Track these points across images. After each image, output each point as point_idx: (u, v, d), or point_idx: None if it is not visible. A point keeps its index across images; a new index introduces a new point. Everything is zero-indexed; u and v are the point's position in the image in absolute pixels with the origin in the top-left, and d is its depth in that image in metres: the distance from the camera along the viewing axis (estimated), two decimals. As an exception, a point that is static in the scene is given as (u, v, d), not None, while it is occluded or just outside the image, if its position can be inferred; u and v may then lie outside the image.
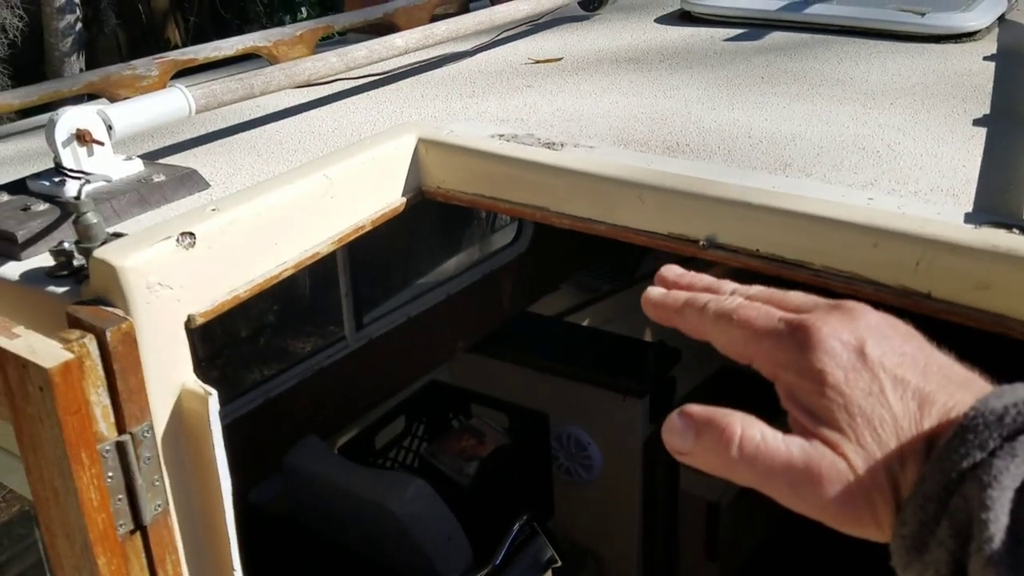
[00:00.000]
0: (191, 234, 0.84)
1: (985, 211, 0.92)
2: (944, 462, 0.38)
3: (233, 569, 0.89)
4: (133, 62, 1.62)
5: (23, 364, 0.72)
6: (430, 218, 2.80)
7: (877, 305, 0.87)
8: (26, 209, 0.98)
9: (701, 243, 0.94)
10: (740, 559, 3.03)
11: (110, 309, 0.79)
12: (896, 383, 0.42)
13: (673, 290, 0.53)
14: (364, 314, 2.46)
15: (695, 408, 0.46)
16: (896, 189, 0.99)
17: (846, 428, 0.41)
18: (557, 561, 2.30)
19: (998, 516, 0.35)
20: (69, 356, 0.73)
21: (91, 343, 0.75)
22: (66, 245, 0.88)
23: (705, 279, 0.54)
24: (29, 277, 0.89)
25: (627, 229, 0.97)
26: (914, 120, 1.21)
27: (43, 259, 0.92)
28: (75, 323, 0.78)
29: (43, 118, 1.56)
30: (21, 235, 0.92)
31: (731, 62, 1.52)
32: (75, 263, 0.88)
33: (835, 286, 0.87)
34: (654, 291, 0.53)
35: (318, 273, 2.44)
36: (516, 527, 2.14)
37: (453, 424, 2.56)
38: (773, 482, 0.42)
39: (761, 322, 0.47)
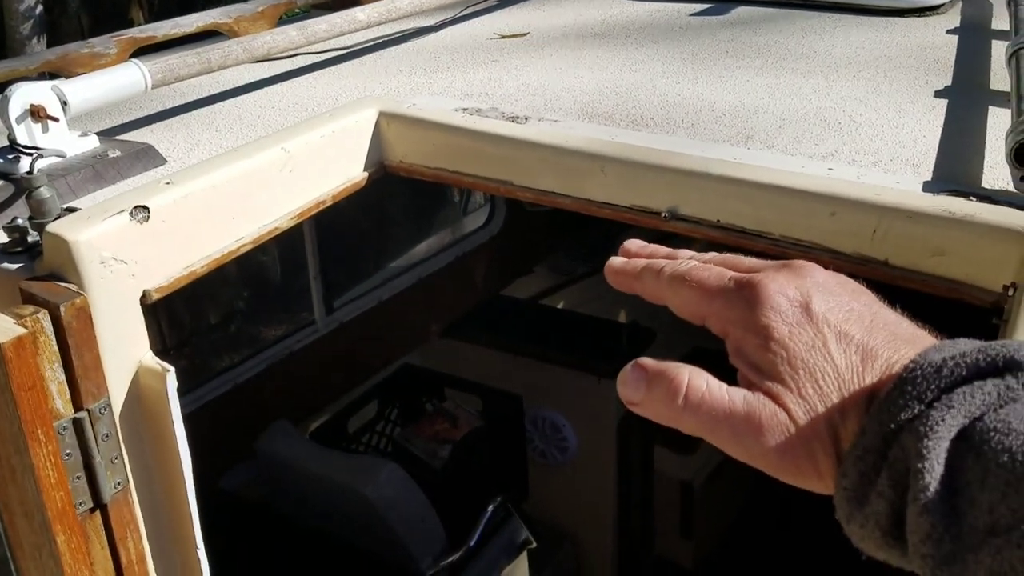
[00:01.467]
0: (145, 208, 0.82)
1: (944, 180, 0.93)
2: (883, 414, 0.39)
3: (196, 546, 0.88)
4: (91, 40, 1.59)
5: (-28, 340, 0.71)
6: (401, 200, 2.78)
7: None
8: (-22, 186, 0.96)
9: (663, 215, 0.94)
10: (714, 537, 3.07)
11: (64, 284, 0.78)
12: (840, 338, 0.42)
13: (634, 259, 0.53)
14: (334, 298, 2.44)
15: (647, 361, 0.47)
16: (856, 159, 0.99)
17: (788, 380, 0.42)
18: (532, 542, 2.31)
19: (933, 466, 0.36)
20: (22, 331, 0.71)
21: (45, 318, 0.74)
22: (20, 221, 0.86)
23: (664, 249, 0.54)
24: (-19, 254, 0.87)
25: (590, 202, 0.97)
26: (876, 92, 1.22)
27: (-4, 236, 0.90)
28: (29, 298, 0.76)
29: None
30: (-28, 212, 0.90)
31: (696, 36, 1.52)
32: (29, 239, 0.86)
33: (794, 255, 0.88)
34: (616, 260, 0.54)
35: (287, 256, 2.42)
36: (490, 509, 2.15)
37: (427, 408, 2.56)
38: (717, 430, 0.43)
39: (712, 282, 0.47)
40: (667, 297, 0.50)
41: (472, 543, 2.10)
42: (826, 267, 0.49)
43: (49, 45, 4.08)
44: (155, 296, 0.84)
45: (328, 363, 2.41)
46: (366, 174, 1.06)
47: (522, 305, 2.99)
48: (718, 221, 0.91)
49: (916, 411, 0.38)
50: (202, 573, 0.89)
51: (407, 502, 2.05)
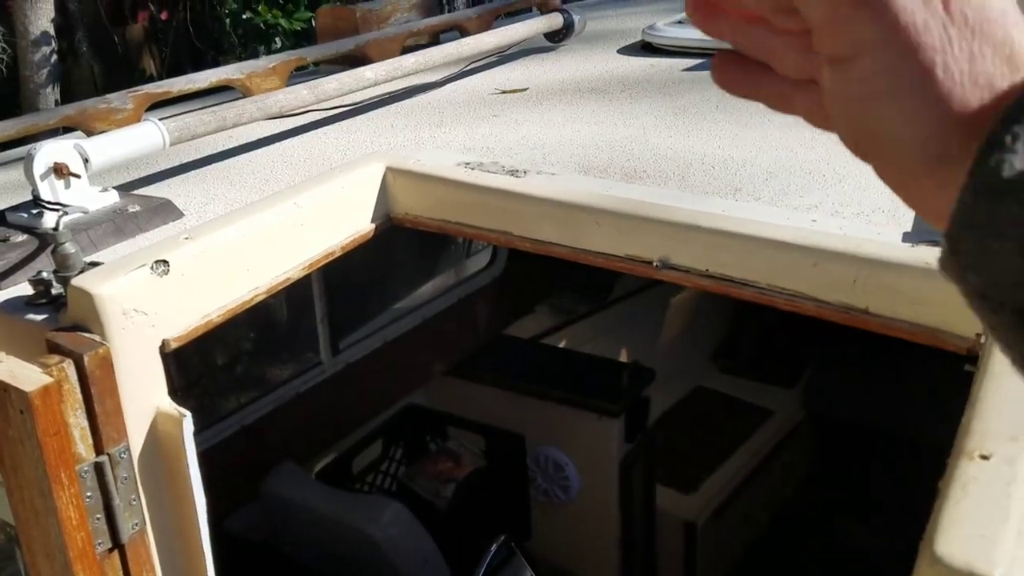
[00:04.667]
0: (165, 262, 0.88)
1: (922, 231, 0.98)
2: None
3: (210, 585, 0.91)
4: (108, 96, 1.66)
5: (4, 388, 0.76)
6: (405, 244, 2.84)
7: (820, 321, 0.92)
8: (5, 240, 1.01)
9: (655, 264, 0.99)
10: (717, 577, 3.06)
11: (87, 335, 0.83)
12: None
13: None
14: (340, 339, 2.49)
15: None
16: (839, 211, 1.04)
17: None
18: (536, 582, 2.32)
19: None
20: (48, 380, 0.76)
21: (69, 367, 0.78)
22: (44, 274, 0.92)
23: None
24: (8, 306, 0.92)
25: (586, 252, 1.01)
26: (860, 145, 1.27)
27: (22, 288, 0.95)
28: (54, 348, 0.81)
29: (21, 151, 1.60)
30: (0, 266, 0.96)
31: (688, 91, 1.58)
32: (53, 291, 0.91)
33: (779, 303, 0.92)
34: None
35: (294, 299, 2.47)
36: (493, 548, 2.16)
37: (430, 447, 2.59)
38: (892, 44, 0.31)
39: None
40: None
41: (476, 583, 2.12)
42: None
43: (62, 93, 4.19)
44: (173, 345, 0.88)
45: (334, 404, 2.45)
46: (373, 226, 1.11)
47: (524, 344, 3.03)
48: (707, 270, 0.96)
49: None
50: (214, 612, 0.92)
51: (412, 542, 2.07)
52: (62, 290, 0.90)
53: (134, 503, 0.85)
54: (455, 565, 2.15)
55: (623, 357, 3.12)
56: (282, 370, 2.53)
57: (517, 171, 1.16)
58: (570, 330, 3.30)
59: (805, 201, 1.07)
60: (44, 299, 0.91)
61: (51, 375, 0.77)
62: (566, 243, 1.03)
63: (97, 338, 0.82)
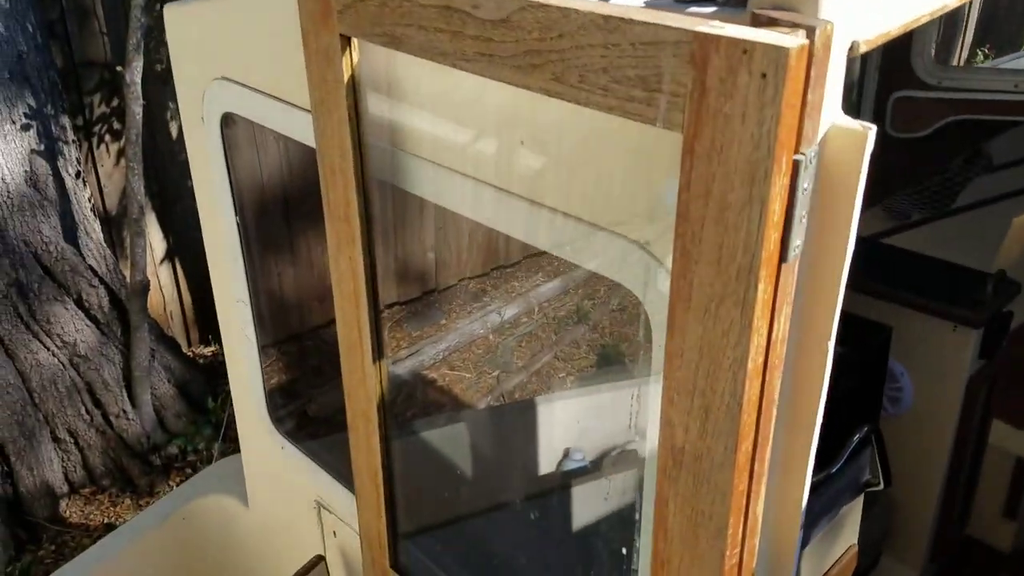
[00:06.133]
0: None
1: None
2: None
3: (829, 337, 0.81)
4: None
5: (744, 49, 0.66)
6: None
7: None
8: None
9: None
10: (1041, 522, 2.74)
11: (794, 13, 0.72)
12: None
13: None
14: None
15: None
16: None
17: None
18: (879, 484, 2.14)
19: None
20: (803, 41, 0.65)
21: (802, 38, 0.67)
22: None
23: None
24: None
25: None
26: None
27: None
28: (766, 23, 0.71)
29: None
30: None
31: None
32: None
33: None
34: None
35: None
36: (856, 437, 2.00)
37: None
38: None
39: None
40: None
41: (834, 469, 1.97)
42: None
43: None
44: (862, 48, 0.76)
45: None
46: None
47: (866, 242, 2.77)
48: None
49: None
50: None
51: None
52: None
53: (803, 221, 0.75)
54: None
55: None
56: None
57: None
58: (905, 236, 2.99)
59: None
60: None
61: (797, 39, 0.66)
62: None
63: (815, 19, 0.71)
